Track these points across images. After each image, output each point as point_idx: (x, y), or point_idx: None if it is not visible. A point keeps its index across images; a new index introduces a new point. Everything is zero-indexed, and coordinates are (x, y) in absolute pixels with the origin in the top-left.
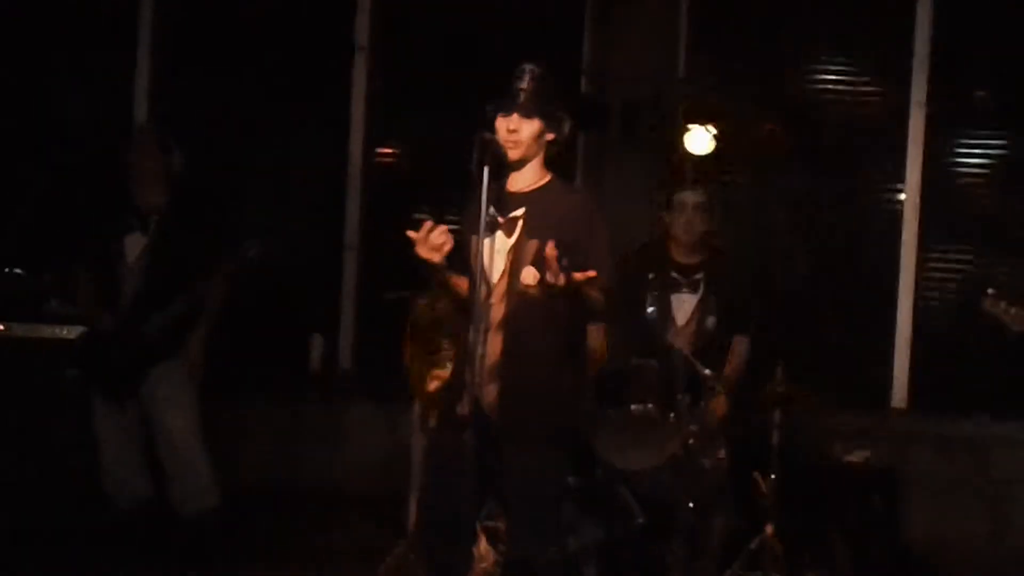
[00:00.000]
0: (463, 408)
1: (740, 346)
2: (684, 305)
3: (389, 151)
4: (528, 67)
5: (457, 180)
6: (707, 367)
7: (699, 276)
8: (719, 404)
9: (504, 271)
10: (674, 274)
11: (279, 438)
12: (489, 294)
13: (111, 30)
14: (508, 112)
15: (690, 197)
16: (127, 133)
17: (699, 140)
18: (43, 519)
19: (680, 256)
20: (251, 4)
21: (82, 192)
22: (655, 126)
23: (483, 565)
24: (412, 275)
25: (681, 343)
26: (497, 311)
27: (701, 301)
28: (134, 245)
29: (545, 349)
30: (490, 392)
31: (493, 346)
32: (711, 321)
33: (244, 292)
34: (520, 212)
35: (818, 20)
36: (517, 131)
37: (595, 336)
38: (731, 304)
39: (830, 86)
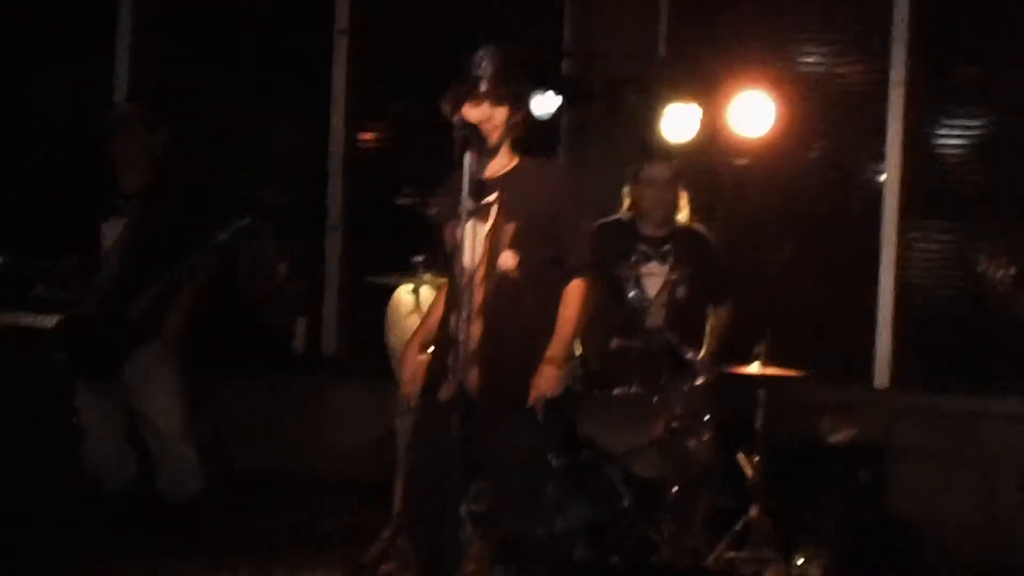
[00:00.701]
0: (446, 392)
1: (720, 316)
2: (655, 276)
3: (371, 133)
4: (484, 53)
5: (440, 162)
6: (682, 337)
7: (668, 247)
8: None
9: (482, 257)
10: (643, 246)
11: (263, 420)
12: (469, 280)
13: (91, 13)
14: (476, 99)
15: (660, 172)
16: (108, 114)
17: (683, 119)
18: (29, 504)
19: (648, 229)
20: None
21: (66, 177)
22: (637, 105)
23: (473, 549)
24: (395, 257)
25: (654, 314)
26: (477, 296)
27: (671, 271)
28: (116, 228)
29: (523, 330)
30: (472, 375)
31: (473, 330)
32: (681, 291)
33: (227, 273)
34: (493, 197)
35: (798, 1)
36: (489, 119)
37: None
38: (708, 275)
39: (810, 65)
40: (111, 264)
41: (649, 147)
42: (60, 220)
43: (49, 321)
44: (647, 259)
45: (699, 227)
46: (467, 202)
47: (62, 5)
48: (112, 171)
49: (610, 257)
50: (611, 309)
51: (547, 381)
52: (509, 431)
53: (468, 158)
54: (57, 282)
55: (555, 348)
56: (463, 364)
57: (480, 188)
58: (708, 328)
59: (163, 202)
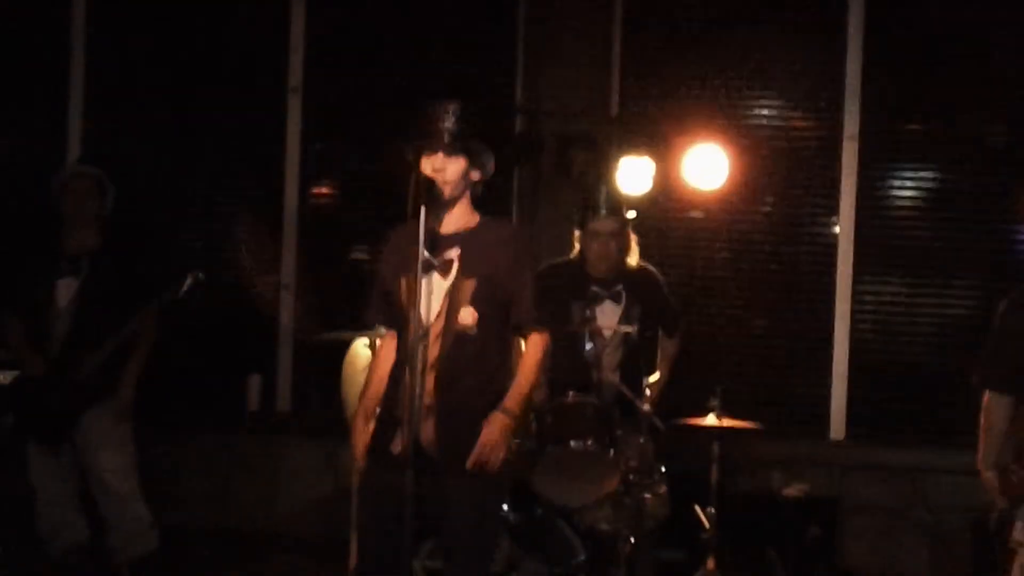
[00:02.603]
0: (397, 446)
1: (669, 348)
2: (607, 315)
3: (324, 190)
4: (449, 105)
5: (391, 219)
6: (637, 376)
7: (619, 288)
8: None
9: (441, 311)
10: (595, 287)
11: (217, 478)
12: (425, 334)
13: (43, 73)
14: (432, 151)
15: (604, 225)
16: (59, 175)
17: (636, 173)
18: None
19: (598, 273)
20: (184, 46)
21: (11, 236)
22: (587, 161)
23: None
24: (348, 313)
25: (610, 354)
26: (432, 350)
27: (625, 310)
28: (65, 289)
29: (478, 384)
30: (426, 429)
31: (427, 384)
32: (635, 330)
33: (181, 331)
34: (455, 253)
35: (750, 56)
36: (443, 170)
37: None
38: (659, 311)
39: (764, 119)
40: (62, 325)
41: (595, 201)
42: (7, 280)
43: (5, 378)
44: (599, 300)
45: (647, 266)
46: (425, 256)
47: (14, 63)
48: (61, 231)
49: (563, 295)
50: (565, 364)
51: (496, 427)
52: (463, 486)
53: (423, 211)
54: (3, 342)
55: (511, 400)
56: (416, 418)
57: (439, 243)
58: (660, 357)
59: (113, 261)
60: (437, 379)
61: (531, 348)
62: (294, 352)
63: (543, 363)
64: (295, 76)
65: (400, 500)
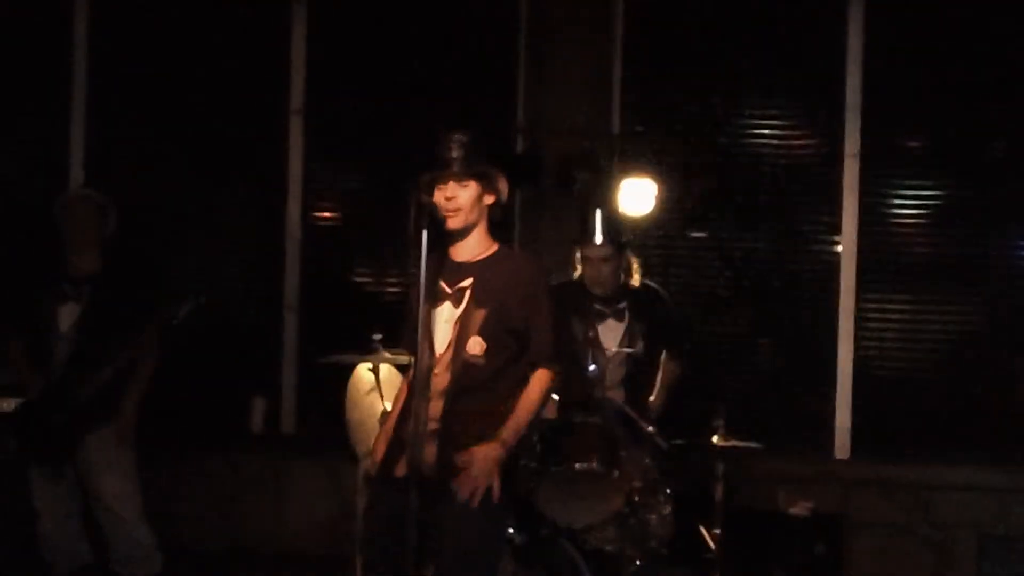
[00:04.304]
0: (401, 469)
1: (669, 369)
2: (611, 333)
3: (327, 212)
4: (455, 135)
5: (394, 241)
6: (640, 392)
7: (623, 305)
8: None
9: (451, 340)
10: (597, 305)
11: (221, 500)
12: (435, 364)
13: (45, 94)
14: (443, 181)
15: (595, 251)
16: (61, 198)
17: (638, 193)
18: None
19: (599, 292)
20: (187, 68)
21: (14, 259)
22: (588, 181)
23: None
24: (352, 335)
25: (613, 371)
26: (442, 380)
27: (628, 328)
28: (67, 314)
29: (482, 412)
30: (429, 453)
31: (433, 410)
32: (639, 347)
33: (184, 353)
34: (468, 282)
35: (751, 74)
36: (455, 198)
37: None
38: (663, 329)
39: (765, 139)
40: (63, 348)
41: (590, 225)
42: (10, 303)
43: (9, 405)
44: (602, 318)
45: (652, 284)
46: (425, 281)
47: (16, 85)
48: (63, 254)
49: (565, 314)
50: (568, 381)
51: (482, 456)
52: (459, 511)
53: (425, 236)
54: (6, 366)
55: (506, 430)
56: (419, 441)
57: (454, 271)
58: (659, 378)
59: (115, 285)
60: (443, 405)
61: (535, 382)
62: (298, 374)
63: (545, 398)
64: (297, 98)
65: (404, 522)
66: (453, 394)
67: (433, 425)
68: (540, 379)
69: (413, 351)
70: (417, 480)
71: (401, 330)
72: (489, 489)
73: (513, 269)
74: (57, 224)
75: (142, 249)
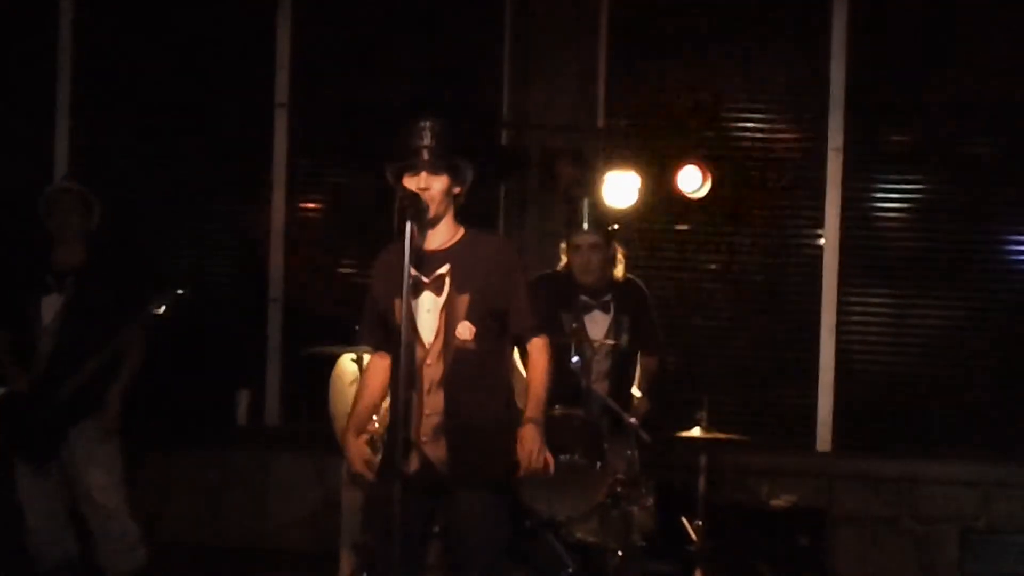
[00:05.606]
0: (411, 466)
1: (647, 365)
2: (597, 325)
3: (311, 205)
4: (426, 123)
5: (379, 233)
6: (625, 384)
7: (608, 298)
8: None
9: (438, 330)
10: (584, 297)
11: (207, 493)
12: (425, 355)
13: (29, 88)
14: (415, 171)
15: (584, 239)
16: (45, 191)
17: (622, 186)
18: None
19: (584, 284)
20: (171, 62)
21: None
22: (572, 174)
23: None
24: (336, 327)
25: (599, 362)
26: (436, 370)
27: (614, 320)
28: (51, 306)
29: (482, 399)
30: (438, 448)
31: (435, 404)
32: (624, 339)
33: (169, 346)
34: (445, 269)
35: (735, 68)
36: (428, 188)
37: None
38: (643, 325)
39: (749, 131)
40: (47, 341)
41: (578, 215)
42: None
43: None
44: (588, 309)
45: (635, 279)
46: (412, 275)
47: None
48: (47, 248)
49: (552, 306)
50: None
51: (532, 440)
52: (476, 498)
53: (409, 228)
54: None
55: (532, 409)
56: (424, 438)
57: (427, 260)
58: (639, 372)
59: (99, 277)
60: (444, 398)
61: (536, 354)
62: (282, 366)
63: (551, 364)
64: (282, 92)
65: (408, 519)
66: (451, 385)
67: (436, 419)
68: (540, 348)
69: (379, 346)
70: (425, 476)
71: (363, 327)
72: (501, 481)
73: (488, 251)
74: (41, 216)
75: (126, 242)
